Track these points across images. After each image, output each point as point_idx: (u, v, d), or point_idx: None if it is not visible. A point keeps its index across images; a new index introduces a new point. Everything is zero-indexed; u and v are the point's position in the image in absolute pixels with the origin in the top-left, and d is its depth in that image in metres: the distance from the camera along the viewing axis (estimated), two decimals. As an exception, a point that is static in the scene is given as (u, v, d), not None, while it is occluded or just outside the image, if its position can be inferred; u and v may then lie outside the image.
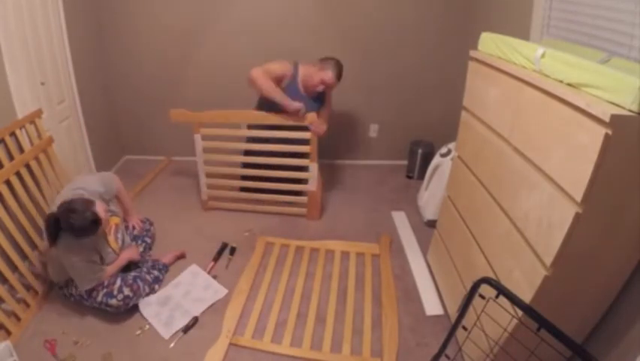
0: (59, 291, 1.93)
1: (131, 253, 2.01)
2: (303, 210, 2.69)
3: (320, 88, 2.41)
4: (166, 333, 1.80)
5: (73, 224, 1.60)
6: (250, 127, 2.55)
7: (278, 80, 2.37)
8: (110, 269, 1.86)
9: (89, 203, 1.67)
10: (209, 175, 2.64)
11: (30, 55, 2.13)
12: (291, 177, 2.56)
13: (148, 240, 2.27)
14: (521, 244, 1.32)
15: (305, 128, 2.39)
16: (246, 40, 2.99)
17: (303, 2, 2.90)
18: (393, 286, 2.10)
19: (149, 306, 1.92)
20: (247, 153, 2.59)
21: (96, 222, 1.65)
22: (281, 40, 2.98)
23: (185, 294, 2.01)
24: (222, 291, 2.04)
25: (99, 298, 1.81)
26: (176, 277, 2.12)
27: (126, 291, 1.84)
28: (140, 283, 1.91)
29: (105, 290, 1.81)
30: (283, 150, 2.47)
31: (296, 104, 2.30)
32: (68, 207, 1.63)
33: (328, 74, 2.36)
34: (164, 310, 1.91)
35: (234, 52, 3.02)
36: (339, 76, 2.41)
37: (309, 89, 2.43)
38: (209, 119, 2.44)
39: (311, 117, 2.35)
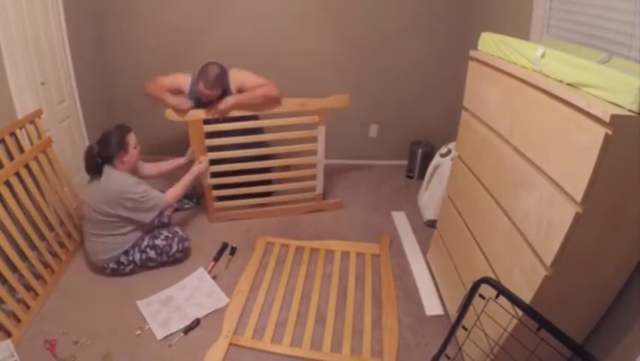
0: (113, 270, 2.07)
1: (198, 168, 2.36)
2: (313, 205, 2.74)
3: (209, 100, 2.31)
4: (160, 334, 1.79)
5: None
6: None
7: (175, 92, 2.35)
8: (179, 188, 2.24)
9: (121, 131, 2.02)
10: (215, 188, 2.56)
11: (30, 55, 2.13)
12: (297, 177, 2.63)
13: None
14: (521, 244, 1.32)
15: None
16: (248, 40, 2.99)
17: (305, 3, 2.90)
18: (393, 286, 2.10)
19: (150, 305, 1.93)
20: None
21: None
22: (283, 40, 2.98)
23: (187, 298, 2.00)
24: (224, 300, 1.99)
25: (175, 248, 2.18)
26: (182, 280, 2.11)
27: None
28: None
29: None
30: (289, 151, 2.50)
31: (177, 101, 2.27)
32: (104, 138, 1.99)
33: (199, 86, 2.25)
34: (164, 310, 1.91)
35: (238, 53, 3.02)
36: (213, 86, 2.24)
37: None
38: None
39: (178, 103, 2.29)
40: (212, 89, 2.25)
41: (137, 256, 2.09)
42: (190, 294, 2.03)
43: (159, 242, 2.12)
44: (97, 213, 1.96)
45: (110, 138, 1.97)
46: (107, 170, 1.98)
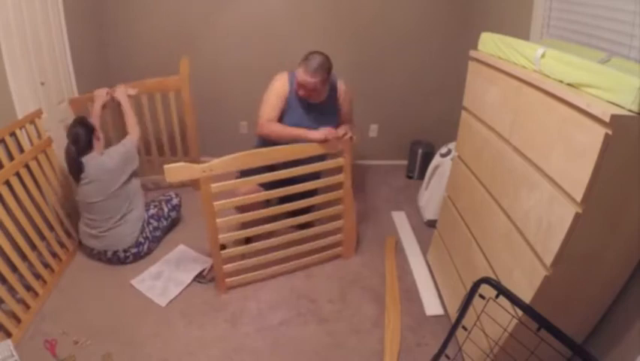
0: (134, 254, 2.19)
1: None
2: (338, 250, 2.25)
3: (304, 95, 1.99)
4: (162, 302, 1.95)
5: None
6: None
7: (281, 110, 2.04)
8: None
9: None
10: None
11: (30, 55, 2.13)
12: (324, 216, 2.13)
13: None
14: (521, 244, 1.32)
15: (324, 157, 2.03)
16: (249, 42, 2.99)
17: (307, 3, 2.90)
18: (397, 287, 2.10)
19: (142, 282, 2.08)
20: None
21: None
22: (283, 39, 2.98)
23: (175, 268, 2.18)
24: (208, 261, 2.18)
25: (166, 209, 2.41)
26: (166, 255, 2.27)
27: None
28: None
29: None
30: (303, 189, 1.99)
31: (320, 132, 1.92)
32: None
33: (299, 74, 1.93)
34: (158, 283, 2.07)
35: (238, 59, 3.03)
36: (315, 72, 1.91)
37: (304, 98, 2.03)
38: (221, 169, 1.76)
39: (323, 133, 1.93)
40: (313, 76, 1.90)
41: (148, 230, 2.25)
42: (177, 264, 2.21)
43: (153, 210, 2.34)
44: (110, 197, 2.07)
45: (79, 131, 2.06)
46: (92, 159, 2.06)
